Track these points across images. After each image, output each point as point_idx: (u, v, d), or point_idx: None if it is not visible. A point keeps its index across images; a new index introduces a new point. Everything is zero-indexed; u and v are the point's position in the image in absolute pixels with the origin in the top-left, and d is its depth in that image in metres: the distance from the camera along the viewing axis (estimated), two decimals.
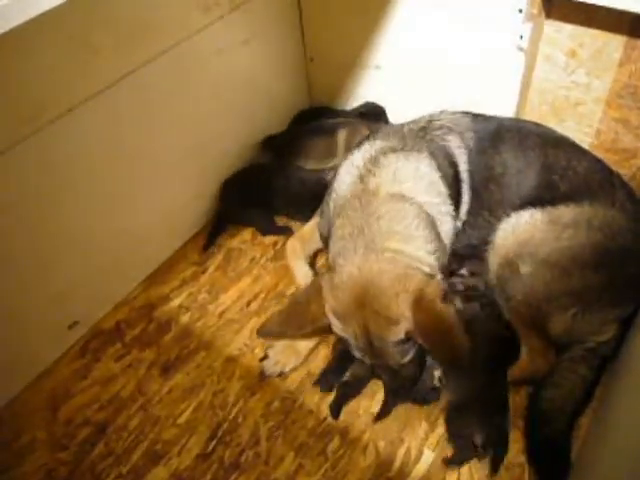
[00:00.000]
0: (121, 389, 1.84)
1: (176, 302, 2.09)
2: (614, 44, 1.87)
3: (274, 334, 1.76)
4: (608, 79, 1.95)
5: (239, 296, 2.10)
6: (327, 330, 1.62)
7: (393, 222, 1.58)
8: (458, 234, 1.81)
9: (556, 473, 1.51)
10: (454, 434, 1.62)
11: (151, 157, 2.01)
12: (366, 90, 2.52)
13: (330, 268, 1.63)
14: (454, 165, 1.77)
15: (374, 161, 1.72)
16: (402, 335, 1.49)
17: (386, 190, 1.65)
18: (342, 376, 1.77)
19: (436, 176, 1.72)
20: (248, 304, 2.07)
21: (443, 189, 1.72)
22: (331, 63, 2.53)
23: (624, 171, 2.00)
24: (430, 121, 1.86)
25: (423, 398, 1.72)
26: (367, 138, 1.86)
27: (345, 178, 1.78)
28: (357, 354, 1.60)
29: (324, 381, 1.79)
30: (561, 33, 1.95)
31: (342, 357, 1.78)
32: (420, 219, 1.62)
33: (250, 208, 2.29)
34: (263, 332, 1.73)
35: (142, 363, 1.91)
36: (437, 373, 1.74)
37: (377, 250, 1.53)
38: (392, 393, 1.70)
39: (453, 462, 1.60)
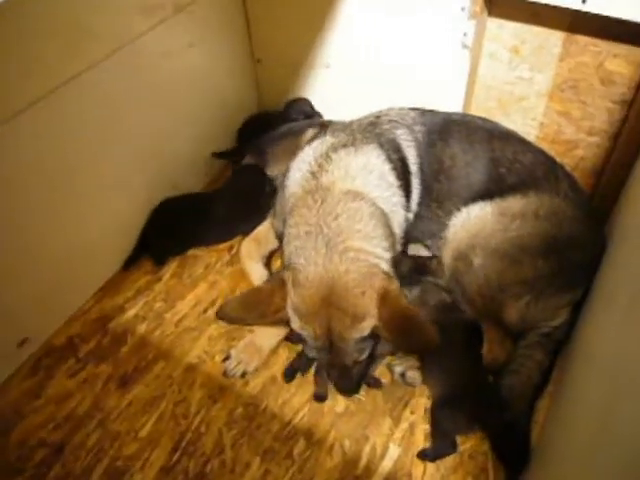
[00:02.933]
0: (77, 406, 1.77)
1: (131, 312, 2.03)
2: (553, 40, 1.94)
3: (232, 318, 1.74)
4: (550, 74, 2.02)
5: (196, 303, 2.06)
6: (287, 323, 1.62)
7: (351, 221, 1.60)
8: (409, 227, 1.84)
9: (518, 458, 1.54)
10: (439, 432, 1.62)
11: (99, 166, 1.95)
12: (315, 89, 2.52)
13: (286, 266, 1.63)
14: (403, 158, 1.80)
15: (325, 157, 1.73)
16: (367, 332, 1.53)
17: (339, 187, 1.66)
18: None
19: (386, 168, 1.75)
20: (205, 311, 2.03)
21: (393, 180, 1.76)
22: (279, 64, 2.52)
23: (567, 161, 2.08)
24: (378, 116, 1.90)
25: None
26: (316, 135, 1.87)
27: (296, 175, 1.78)
28: (311, 353, 1.63)
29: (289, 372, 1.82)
30: (503, 30, 2.01)
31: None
32: (376, 219, 1.65)
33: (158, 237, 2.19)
34: (222, 314, 1.71)
35: (98, 378, 1.84)
36: (398, 369, 1.76)
37: (340, 250, 1.54)
38: (338, 389, 1.71)
39: (428, 456, 1.61)
